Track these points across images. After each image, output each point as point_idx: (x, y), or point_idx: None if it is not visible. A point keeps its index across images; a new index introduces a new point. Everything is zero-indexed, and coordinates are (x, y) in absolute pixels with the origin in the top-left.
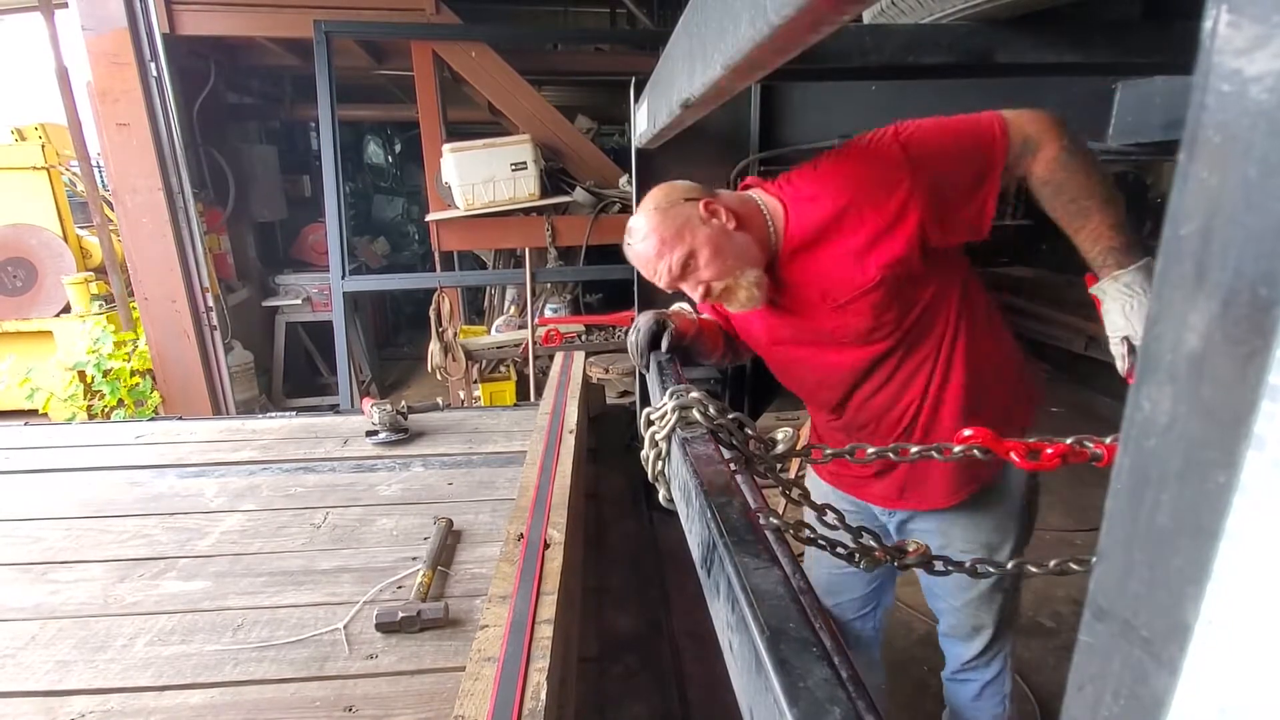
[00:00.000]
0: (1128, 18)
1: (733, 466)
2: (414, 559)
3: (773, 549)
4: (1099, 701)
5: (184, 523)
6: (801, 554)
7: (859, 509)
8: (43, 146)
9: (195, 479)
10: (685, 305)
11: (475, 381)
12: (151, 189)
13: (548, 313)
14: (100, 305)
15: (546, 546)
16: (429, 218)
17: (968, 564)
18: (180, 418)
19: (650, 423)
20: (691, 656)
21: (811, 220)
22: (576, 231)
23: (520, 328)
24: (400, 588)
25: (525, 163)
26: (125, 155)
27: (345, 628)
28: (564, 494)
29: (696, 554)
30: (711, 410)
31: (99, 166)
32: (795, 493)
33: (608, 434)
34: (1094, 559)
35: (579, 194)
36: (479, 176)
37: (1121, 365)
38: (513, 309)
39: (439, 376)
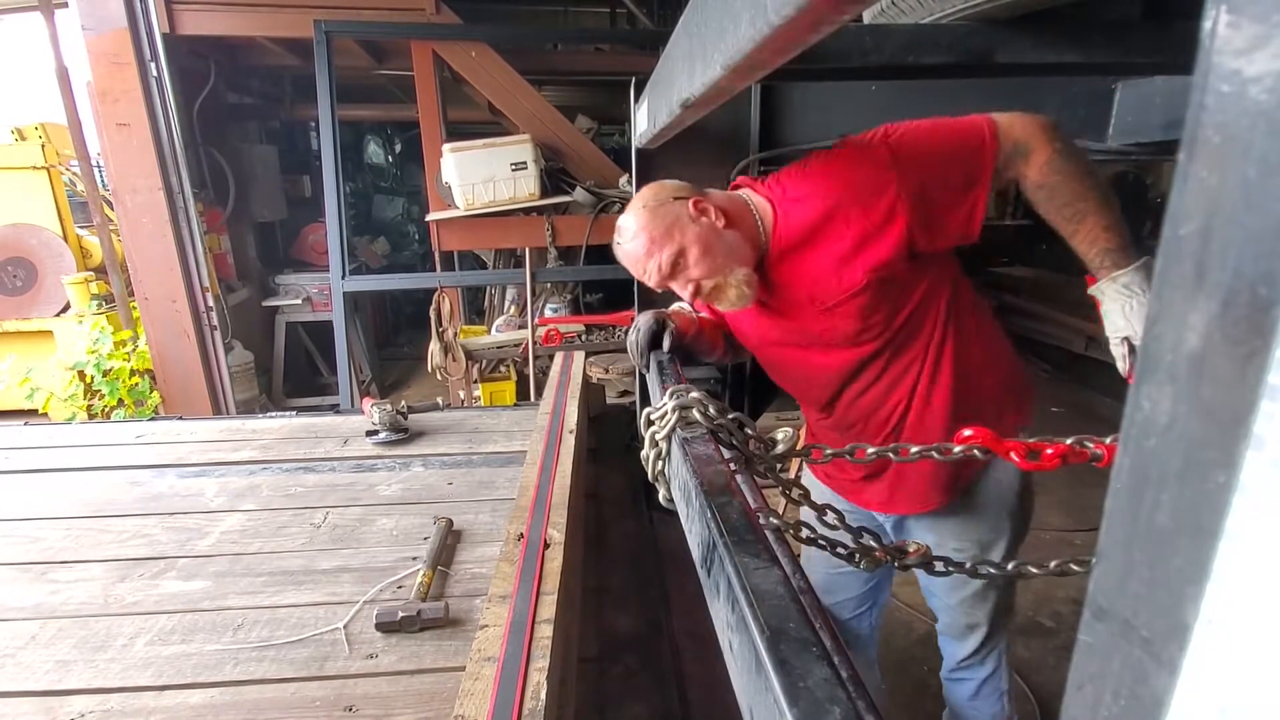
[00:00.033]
0: (1128, 18)
1: (733, 466)
2: (414, 559)
3: (773, 549)
4: (1099, 701)
5: (184, 522)
6: (799, 554)
7: (856, 509)
8: (43, 146)
9: (195, 479)
10: (685, 304)
11: (475, 381)
12: (151, 189)
13: (548, 313)
14: (100, 305)
15: (546, 546)
16: (429, 218)
17: (968, 564)
18: (180, 417)
19: (650, 423)
20: (691, 656)
21: (800, 222)
22: (576, 231)
23: (520, 328)
24: (400, 587)
25: (525, 163)
26: (125, 155)
27: (345, 627)
28: (564, 494)
29: (696, 554)
30: (711, 410)
31: (99, 166)
32: (795, 493)
33: (608, 434)
34: (1094, 559)
35: (579, 194)
36: (479, 176)
37: (1122, 365)
38: (513, 309)
39: (439, 376)
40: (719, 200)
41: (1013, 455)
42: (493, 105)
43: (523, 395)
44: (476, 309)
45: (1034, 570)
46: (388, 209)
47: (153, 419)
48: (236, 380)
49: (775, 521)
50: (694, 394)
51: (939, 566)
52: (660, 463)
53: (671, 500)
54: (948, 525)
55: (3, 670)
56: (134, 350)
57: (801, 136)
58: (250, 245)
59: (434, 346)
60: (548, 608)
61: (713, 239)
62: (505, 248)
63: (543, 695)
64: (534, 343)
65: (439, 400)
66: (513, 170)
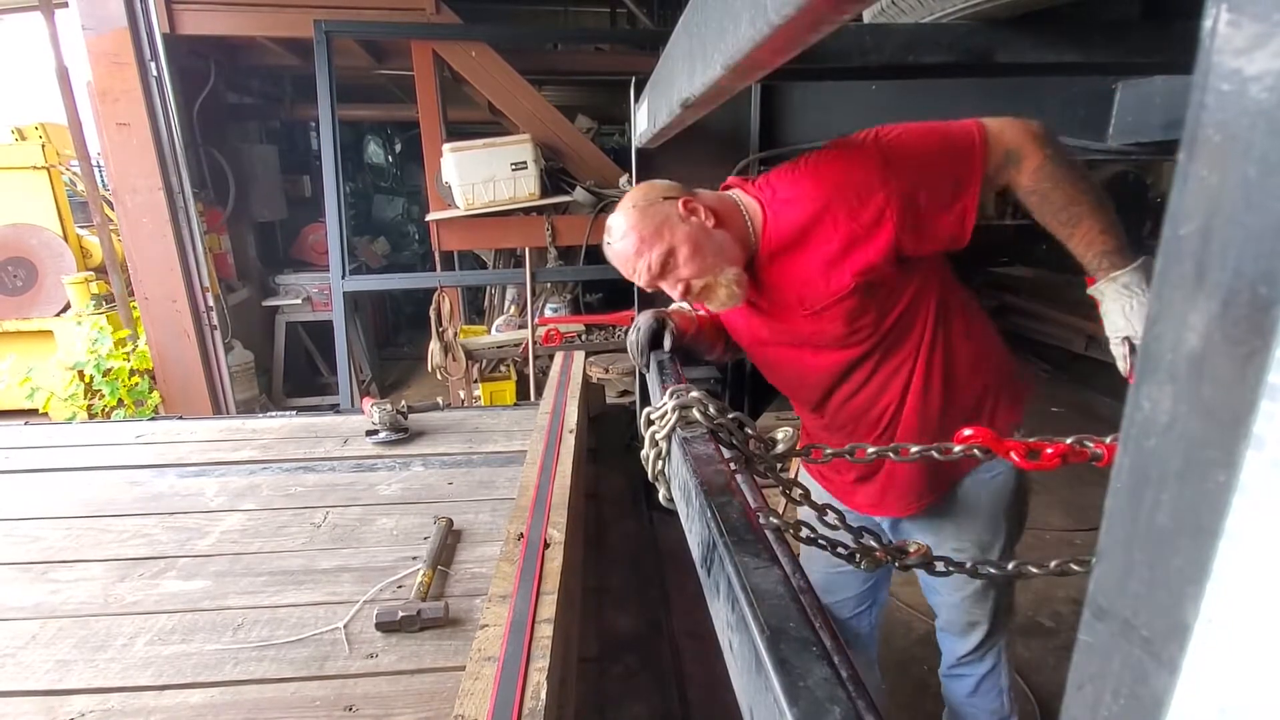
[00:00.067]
0: (1128, 17)
1: (733, 466)
2: (414, 558)
3: (773, 549)
4: (1099, 701)
5: (184, 522)
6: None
7: (849, 511)
8: (43, 146)
9: (195, 478)
10: (685, 303)
11: (475, 381)
12: (151, 189)
13: (548, 312)
14: (100, 305)
15: (546, 546)
16: (429, 217)
17: (968, 565)
18: (180, 417)
19: (650, 422)
20: (691, 656)
21: (788, 224)
22: (576, 231)
23: (520, 327)
24: (400, 587)
25: (525, 162)
26: (125, 155)
27: (345, 627)
28: (564, 494)
29: (696, 554)
30: (711, 410)
31: (99, 166)
32: (795, 493)
33: (608, 434)
34: (1094, 559)
35: (579, 194)
36: (479, 176)
37: (1123, 365)
38: (513, 309)
39: (439, 376)
40: (708, 200)
41: (1013, 455)
42: (493, 105)
43: (523, 395)
44: (476, 309)
45: (1034, 570)
46: (388, 209)
47: (153, 419)
48: (236, 380)
49: (775, 521)
50: (694, 394)
51: (939, 567)
52: (660, 462)
53: (671, 500)
54: (945, 525)
55: (3, 670)
56: (134, 350)
57: (801, 136)
58: (250, 245)
59: (434, 346)
60: (548, 608)
61: (702, 238)
62: (505, 248)
63: (543, 695)
64: (534, 342)
65: (439, 400)
66: (513, 170)
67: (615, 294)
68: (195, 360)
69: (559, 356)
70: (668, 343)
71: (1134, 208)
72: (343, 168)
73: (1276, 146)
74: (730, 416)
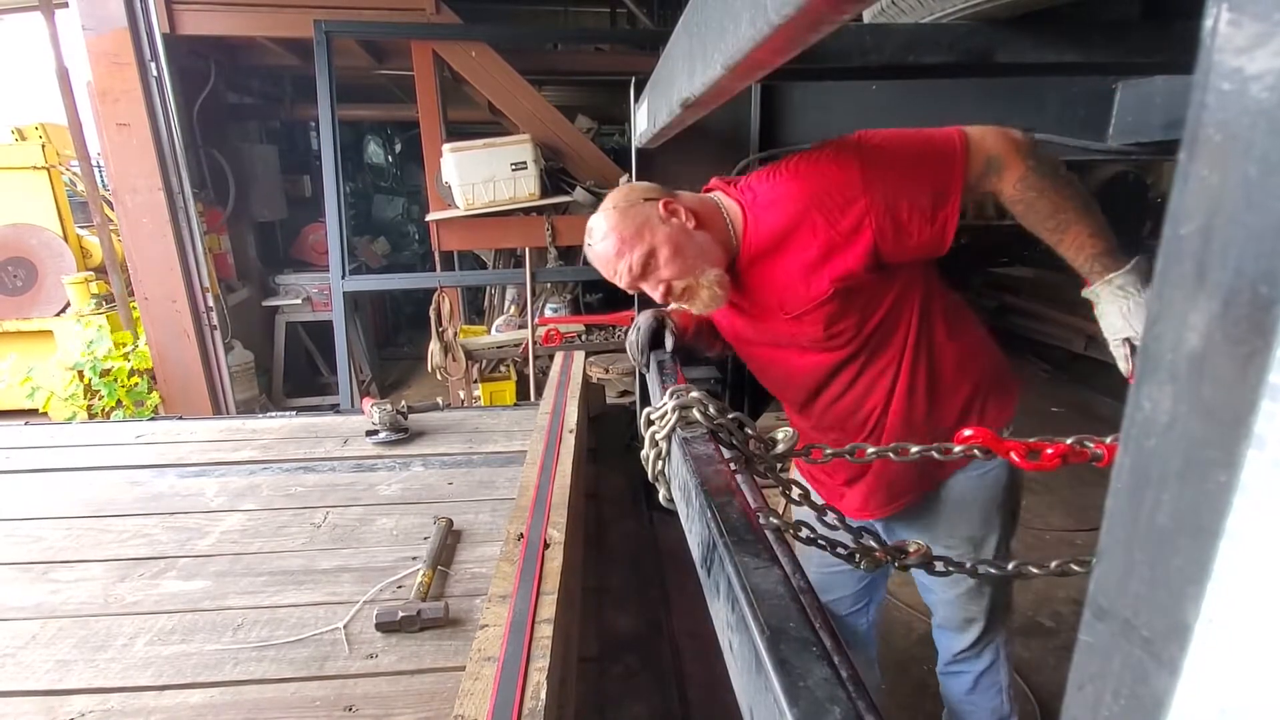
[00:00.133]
0: (1128, 17)
1: (733, 466)
2: (414, 559)
3: (773, 549)
4: (1099, 701)
5: (184, 522)
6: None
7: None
8: (43, 146)
9: (195, 479)
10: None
11: (475, 381)
12: (151, 189)
13: (548, 312)
14: (99, 304)
15: (546, 546)
16: (429, 218)
17: (968, 564)
18: (180, 417)
19: (650, 422)
20: (691, 656)
21: (769, 228)
22: (577, 231)
23: (520, 327)
24: (400, 587)
25: (525, 162)
26: (125, 155)
27: (345, 627)
28: (564, 494)
29: (696, 554)
30: (711, 410)
31: (99, 166)
32: (795, 493)
33: (608, 434)
34: (1094, 559)
35: (579, 194)
36: (479, 176)
37: (1125, 366)
38: (513, 309)
39: (439, 376)
40: (689, 202)
41: (1013, 455)
42: (493, 105)
43: (523, 395)
44: (476, 309)
45: (1034, 570)
46: (388, 209)
47: (153, 419)
48: (236, 380)
49: (775, 521)
50: (694, 394)
51: (939, 566)
52: (660, 462)
53: (671, 500)
54: (936, 523)
55: (3, 670)
56: (134, 350)
57: (801, 136)
58: (250, 245)
59: (434, 346)
60: (548, 608)
61: (683, 240)
62: (505, 248)
63: (543, 695)
64: (534, 343)
65: (439, 400)
66: (513, 170)
67: (615, 294)
68: (195, 360)
69: (559, 356)
70: (668, 342)
71: (1134, 208)
72: (343, 168)
73: (1277, 146)
74: (730, 416)
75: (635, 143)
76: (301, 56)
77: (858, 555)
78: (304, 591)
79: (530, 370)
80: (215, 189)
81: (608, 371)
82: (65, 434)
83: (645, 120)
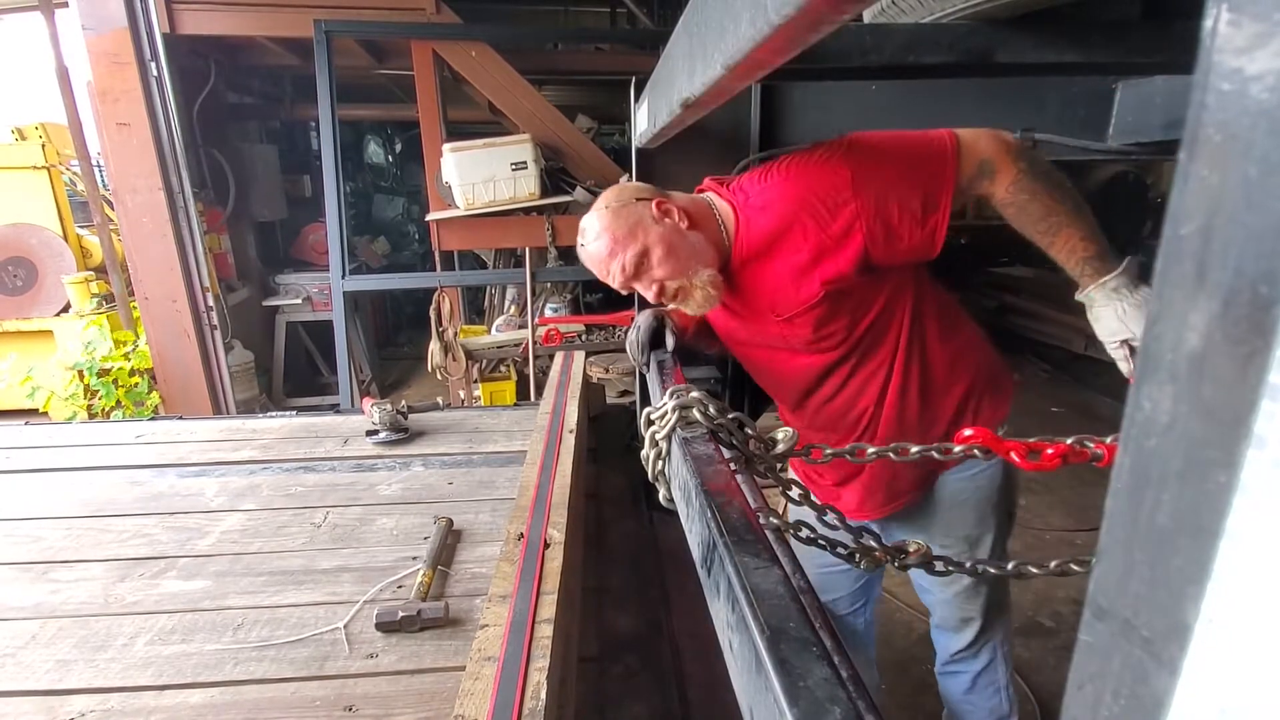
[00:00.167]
0: (1128, 17)
1: (733, 466)
2: (414, 558)
3: (773, 549)
4: (1099, 701)
5: (184, 522)
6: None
7: None
8: (43, 146)
9: (195, 478)
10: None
11: (475, 381)
12: (151, 189)
13: (548, 312)
14: (100, 304)
15: (546, 546)
16: (429, 217)
17: (968, 564)
18: (180, 417)
19: (650, 422)
20: (691, 656)
21: (760, 231)
22: (576, 231)
23: (520, 327)
24: (400, 587)
25: (525, 162)
26: (125, 155)
27: (345, 627)
28: (564, 494)
29: (696, 554)
30: (711, 410)
31: (99, 166)
32: (795, 492)
33: (608, 434)
34: (1094, 559)
35: (579, 194)
36: (479, 176)
37: (1125, 367)
38: (513, 309)
39: (439, 376)
40: (681, 202)
41: (1013, 455)
42: (493, 105)
43: (523, 395)
44: (476, 309)
45: (1034, 570)
46: (388, 209)
47: (153, 419)
48: (236, 380)
49: (775, 521)
50: (694, 394)
51: (939, 566)
52: (660, 462)
53: (671, 500)
54: (932, 523)
55: (3, 670)
56: (134, 350)
57: (801, 136)
58: (250, 245)
59: (434, 346)
60: (548, 607)
61: (676, 240)
62: (505, 247)
63: (543, 695)
64: (534, 342)
65: (439, 400)
66: (513, 170)
67: (615, 294)
68: (195, 360)
69: (559, 356)
70: (669, 342)
71: (1134, 208)
72: (343, 168)
73: (1277, 146)
74: (730, 416)
75: (635, 142)
76: (301, 56)
77: (858, 555)
78: (304, 591)
79: (530, 370)
80: (215, 189)
81: (608, 371)
82: (65, 434)
83: (645, 120)
